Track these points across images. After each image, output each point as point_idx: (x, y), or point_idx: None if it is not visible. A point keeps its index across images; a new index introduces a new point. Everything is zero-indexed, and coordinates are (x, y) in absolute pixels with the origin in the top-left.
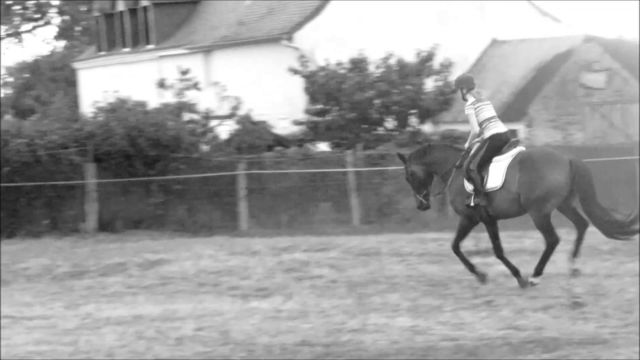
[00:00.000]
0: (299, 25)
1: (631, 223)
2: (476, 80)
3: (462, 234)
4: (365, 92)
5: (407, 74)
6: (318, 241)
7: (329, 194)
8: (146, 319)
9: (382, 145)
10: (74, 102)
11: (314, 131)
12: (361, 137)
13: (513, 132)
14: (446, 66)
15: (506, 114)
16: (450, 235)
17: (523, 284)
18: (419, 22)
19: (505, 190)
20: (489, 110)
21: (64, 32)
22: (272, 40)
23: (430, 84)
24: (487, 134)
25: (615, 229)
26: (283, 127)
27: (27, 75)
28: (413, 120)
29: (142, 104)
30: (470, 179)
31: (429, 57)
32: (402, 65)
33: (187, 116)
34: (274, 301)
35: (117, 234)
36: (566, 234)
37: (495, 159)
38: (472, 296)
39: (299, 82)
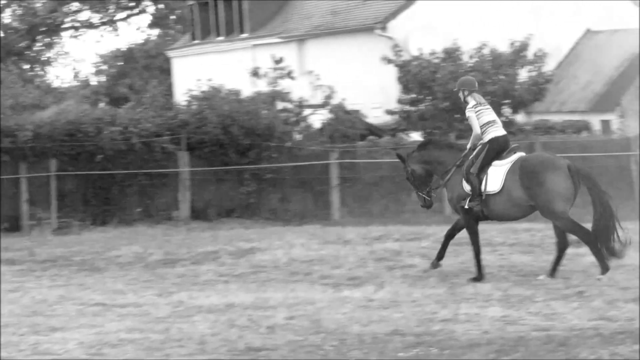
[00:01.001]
0: (393, 14)
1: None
2: (561, 77)
3: (473, 231)
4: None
5: (501, 64)
6: (410, 230)
7: None
8: (238, 307)
9: None
10: (168, 91)
11: (407, 120)
12: (454, 127)
13: (606, 123)
14: (540, 57)
15: (599, 104)
16: (541, 226)
17: (434, 265)
18: (513, 12)
19: (504, 194)
20: (489, 114)
21: (158, 21)
22: (365, 29)
23: (523, 74)
24: (487, 137)
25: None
26: (376, 116)
27: (121, 64)
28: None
29: (235, 93)
30: (469, 182)
31: (523, 47)
32: (495, 55)
33: (280, 105)
34: (366, 290)
35: (210, 222)
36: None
37: (495, 163)
38: (563, 287)
39: (392, 72)
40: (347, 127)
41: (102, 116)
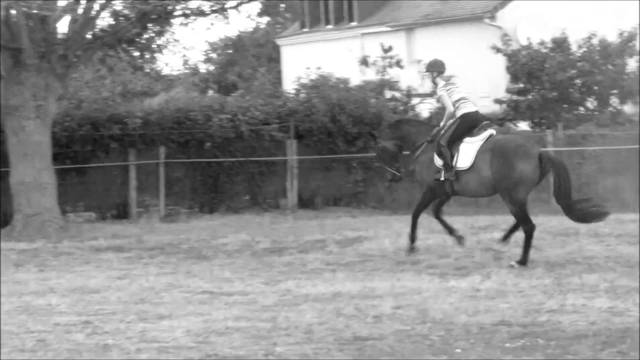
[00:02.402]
0: (502, 3)
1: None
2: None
3: (424, 204)
4: (566, 72)
5: (609, 54)
6: None
7: None
8: (345, 296)
9: (583, 125)
10: (277, 79)
11: (515, 110)
12: (562, 117)
13: None
14: None
15: None
16: None
17: (461, 242)
18: (621, 1)
19: (474, 172)
20: (459, 92)
21: (268, 9)
22: (474, 18)
23: (632, 64)
24: (458, 112)
25: (588, 208)
26: (484, 105)
27: (230, 52)
28: (614, 101)
29: (344, 81)
30: (440, 154)
31: (631, 37)
32: (604, 45)
33: (389, 94)
34: (473, 280)
35: (317, 210)
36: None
37: (467, 140)
38: None
39: (501, 61)
40: None
41: (211, 104)
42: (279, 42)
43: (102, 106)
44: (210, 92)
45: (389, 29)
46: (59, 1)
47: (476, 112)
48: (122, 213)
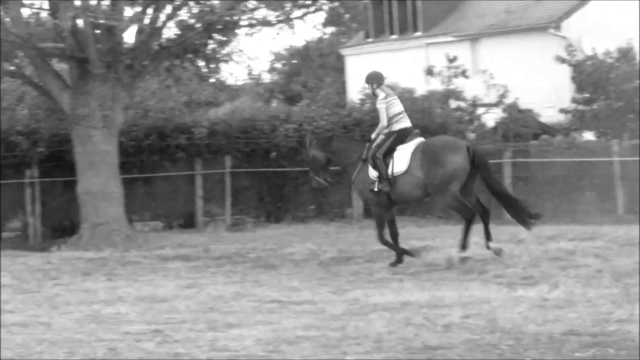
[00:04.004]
0: (567, 13)
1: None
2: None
3: (381, 223)
4: (632, 82)
5: None
6: (583, 230)
7: (594, 183)
8: (413, 306)
9: None
10: (342, 89)
11: (581, 120)
12: (627, 127)
13: None
14: None
15: None
16: None
17: (417, 255)
18: None
19: (409, 174)
20: (398, 106)
21: (333, 19)
22: (539, 28)
23: None
24: (396, 127)
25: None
26: (549, 115)
27: (295, 62)
28: None
29: (409, 91)
30: (375, 166)
31: None
32: None
33: (454, 104)
34: (540, 290)
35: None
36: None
37: (399, 147)
38: None
39: (566, 71)
40: (520, 126)
41: (277, 114)
42: (343, 52)
43: (168, 116)
44: (275, 102)
45: (453, 38)
46: (125, 11)
47: (411, 128)
48: (188, 222)
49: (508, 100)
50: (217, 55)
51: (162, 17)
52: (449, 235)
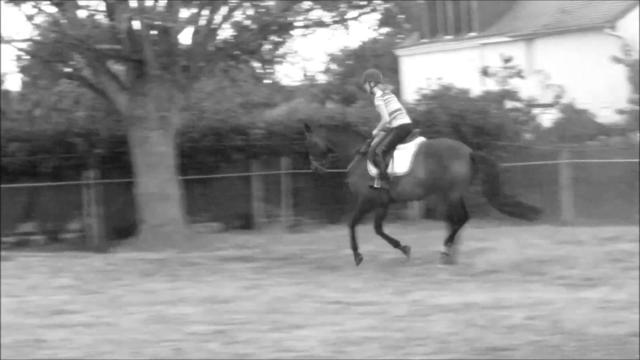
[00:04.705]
0: (622, 13)
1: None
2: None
3: (360, 215)
4: None
5: None
6: None
7: None
8: (476, 307)
9: None
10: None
11: (638, 120)
12: None
13: None
14: None
15: None
16: None
17: (407, 253)
18: None
19: (411, 176)
20: (395, 103)
21: (388, 20)
22: (595, 28)
23: None
24: (395, 123)
25: (519, 210)
26: (605, 115)
27: (350, 62)
28: None
29: (465, 92)
30: (375, 163)
31: None
32: None
33: (510, 104)
34: (602, 291)
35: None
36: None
37: (399, 146)
38: None
39: (621, 71)
40: (577, 126)
41: (333, 114)
42: (398, 52)
43: (224, 117)
44: (330, 104)
45: (508, 39)
46: (181, 12)
47: (410, 124)
48: (246, 223)
49: (564, 101)
50: (272, 57)
51: (218, 18)
52: (508, 236)
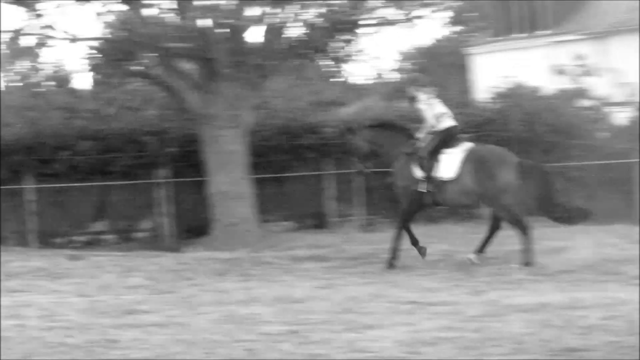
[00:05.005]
0: None
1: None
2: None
3: (409, 215)
4: None
5: None
6: None
7: None
8: (551, 307)
9: None
10: (468, 88)
11: None
12: None
13: None
14: None
15: None
16: None
17: (423, 253)
18: None
19: (457, 182)
20: (440, 106)
21: (459, 18)
22: None
23: None
24: (441, 126)
25: (568, 215)
26: None
27: (421, 60)
28: None
29: (537, 90)
30: (422, 167)
31: None
32: None
33: (584, 102)
34: None
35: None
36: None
37: (447, 151)
38: None
39: None
40: None
41: (404, 113)
42: (469, 50)
43: (296, 115)
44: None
45: (581, 36)
46: (250, 10)
47: (457, 127)
48: (319, 222)
49: (638, 99)
50: (342, 55)
51: (289, 16)
52: (584, 236)
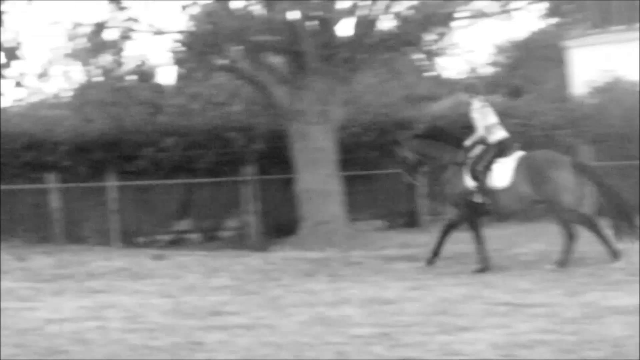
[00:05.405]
0: None
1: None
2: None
3: (460, 221)
4: None
5: None
6: None
7: None
8: None
9: None
10: (565, 82)
11: None
12: None
13: None
14: None
15: None
16: None
17: (430, 263)
18: None
19: (511, 190)
20: (492, 116)
21: (556, 9)
22: None
23: None
24: (493, 138)
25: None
26: None
27: (516, 54)
28: None
29: (637, 84)
30: (476, 178)
31: None
32: None
33: None
34: None
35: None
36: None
37: (499, 160)
38: None
39: None
40: None
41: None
42: (567, 43)
43: (387, 111)
44: (495, 96)
45: None
46: (341, 3)
47: (509, 138)
48: (410, 221)
49: None
50: (435, 48)
51: (380, 9)
52: None
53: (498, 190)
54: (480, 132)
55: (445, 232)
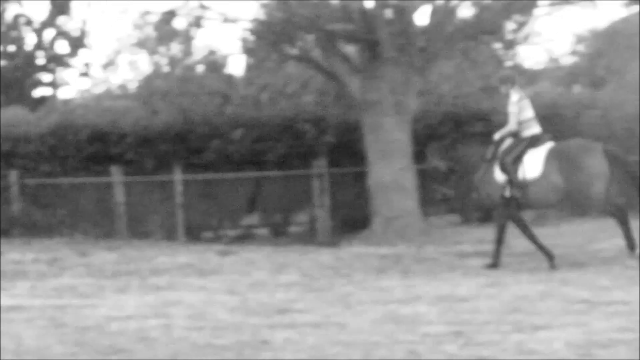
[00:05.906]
0: None
1: None
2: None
3: (522, 225)
4: None
5: None
6: None
7: None
8: None
9: None
10: None
11: None
12: None
13: None
14: None
15: None
16: None
17: (492, 265)
18: None
19: (543, 180)
20: (529, 110)
21: None
22: None
23: None
24: (527, 133)
25: None
26: None
27: (599, 43)
28: None
29: None
30: (505, 171)
31: None
32: None
33: None
34: None
35: None
36: None
37: (529, 152)
38: None
39: None
40: None
41: (580, 99)
42: None
43: (464, 101)
44: (576, 87)
45: None
46: None
47: (542, 134)
48: (486, 216)
49: None
50: (515, 37)
51: None
52: None
53: (529, 183)
54: (512, 126)
55: (500, 237)
